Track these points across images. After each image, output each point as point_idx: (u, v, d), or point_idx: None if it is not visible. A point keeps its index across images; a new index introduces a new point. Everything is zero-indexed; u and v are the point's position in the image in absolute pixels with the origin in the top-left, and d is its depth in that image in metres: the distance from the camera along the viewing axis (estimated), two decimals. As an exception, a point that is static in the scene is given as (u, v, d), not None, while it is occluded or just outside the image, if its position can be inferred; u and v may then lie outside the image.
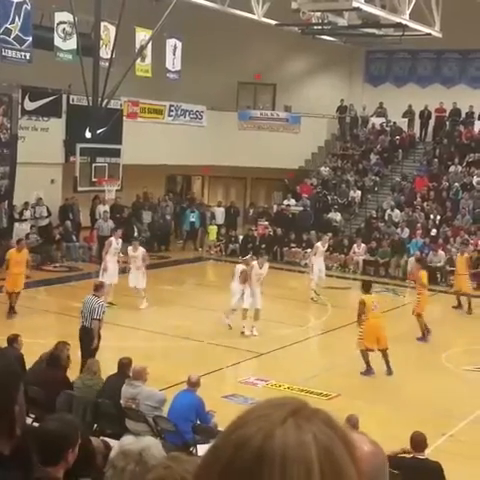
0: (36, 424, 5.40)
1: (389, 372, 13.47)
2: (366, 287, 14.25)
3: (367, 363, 13.38)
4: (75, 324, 14.34)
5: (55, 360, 9.91)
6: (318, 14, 23.53)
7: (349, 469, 1.10)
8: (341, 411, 9.02)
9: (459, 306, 19.53)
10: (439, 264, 22.45)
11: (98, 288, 12.83)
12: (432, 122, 29.06)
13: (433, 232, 23.99)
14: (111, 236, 19.00)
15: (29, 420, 7.24)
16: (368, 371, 13.39)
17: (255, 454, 1.07)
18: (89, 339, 12.11)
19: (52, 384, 9.42)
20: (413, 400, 12.02)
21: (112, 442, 7.82)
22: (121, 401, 9.51)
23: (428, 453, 8.23)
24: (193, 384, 9.36)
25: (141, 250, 18.03)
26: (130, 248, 18.11)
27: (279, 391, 12.10)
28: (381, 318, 13.78)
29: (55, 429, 3.33)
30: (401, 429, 8.63)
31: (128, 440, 3.13)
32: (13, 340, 10.31)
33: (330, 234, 22.55)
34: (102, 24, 20.71)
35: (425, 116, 28.98)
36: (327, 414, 1.15)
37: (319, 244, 20.45)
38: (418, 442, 7.76)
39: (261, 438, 1.08)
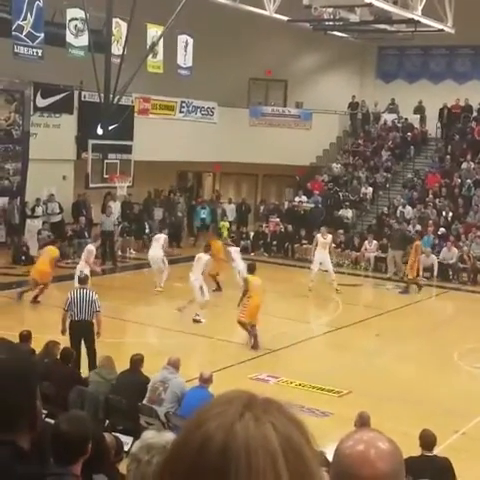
0: (49, 420, 5.42)
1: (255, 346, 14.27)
2: (251, 268, 15.11)
3: (248, 332, 14.35)
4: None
5: (67, 356, 9.97)
6: (330, 10, 23.50)
7: (308, 452, 1.14)
8: (352, 408, 9.02)
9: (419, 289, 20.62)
10: (451, 261, 22.37)
11: (85, 280, 12.72)
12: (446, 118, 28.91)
13: (441, 231, 23.80)
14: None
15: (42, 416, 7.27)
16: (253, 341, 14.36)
17: (219, 451, 1.08)
18: (91, 332, 11.80)
19: (63, 380, 9.47)
20: (425, 397, 11.99)
21: (124, 438, 7.87)
22: (149, 384, 9.60)
23: (440, 450, 8.22)
24: (205, 380, 9.39)
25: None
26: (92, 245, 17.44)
27: (291, 388, 12.11)
28: (262, 296, 14.52)
29: (71, 430, 3.36)
30: (412, 426, 8.61)
31: (150, 434, 3.17)
32: (26, 336, 10.35)
33: (323, 228, 21.66)
34: (114, 20, 20.76)
35: (445, 115, 28.76)
36: (279, 402, 1.17)
37: (318, 235, 20.61)
38: (427, 441, 7.74)
39: (223, 435, 1.09)
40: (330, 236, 20.83)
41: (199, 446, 1.09)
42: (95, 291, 12.29)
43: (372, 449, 1.66)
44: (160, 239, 19.40)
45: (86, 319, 11.82)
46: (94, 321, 11.90)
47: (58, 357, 10.06)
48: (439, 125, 28.90)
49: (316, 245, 20.47)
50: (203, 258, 16.61)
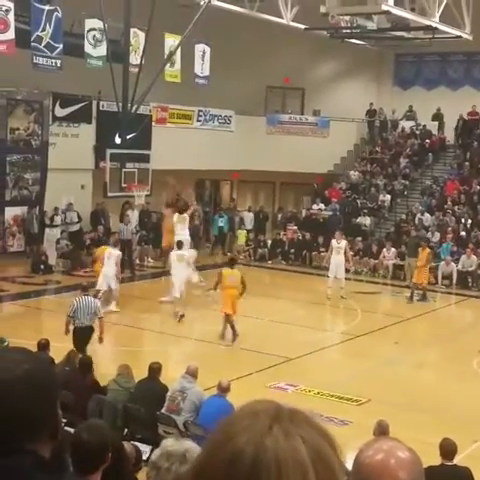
0: (68, 428, 5.45)
1: (234, 337, 15.15)
2: (231, 263, 15.89)
3: (232, 327, 15.11)
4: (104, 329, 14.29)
5: (85, 365, 10.01)
6: (347, 18, 23.48)
7: (336, 462, 1.15)
8: (371, 417, 8.96)
9: (412, 299, 20.01)
10: (471, 268, 22.23)
11: (87, 288, 13.21)
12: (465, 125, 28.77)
13: (462, 234, 23.80)
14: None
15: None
16: (234, 335, 15.18)
17: (250, 466, 1.08)
18: (88, 337, 12.28)
19: (82, 389, 9.50)
20: (444, 406, 11.90)
21: (142, 447, 7.87)
22: (168, 394, 9.62)
23: (459, 459, 8.14)
24: (224, 389, 9.38)
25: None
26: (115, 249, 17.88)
27: (309, 396, 12.06)
28: (234, 289, 15.09)
29: (91, 439, 3.37)
30: (432, 435, 8.55)
31: (170, 442, 3.18)
32: (44, 345, 10.40)
33: (338, 233, 21.55)
34: (132, 30, 20.88)
35: (460, 126, 28.63)
36: (305, 413, 1.18)
37: (333, 241, 20.63)
38: (447, 450, 7.66)
39: (253, 450, 1.09)
40: (344, 242, 20.70)
41: (229, 460, 1.10)
42: (96, 298, 12.93)
43: (392, 458, 1.66)
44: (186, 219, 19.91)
45: (88, 325, 12.40)
46: (94, 326, 12.45)
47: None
48: (455, 134, 28.80)
49: (331, 251, 20.48)
50: (187, 255, 17.56)
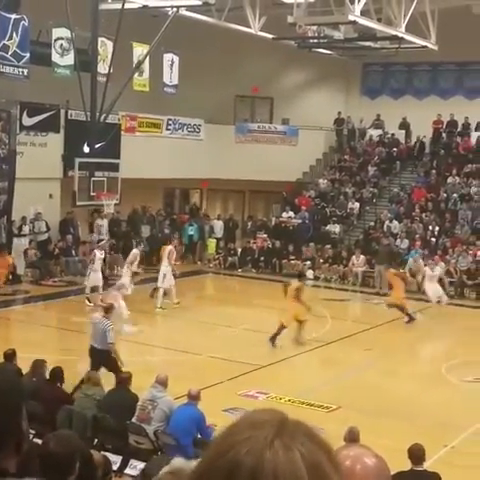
0: (37, 440, 5.39)
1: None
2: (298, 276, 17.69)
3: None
4: (74, 339, 14.37)
5: (54, 376, 9.90)
6: (314, 28, 23.64)
7: (334, 477, 1.14)
8: (341, 424, 9.00)
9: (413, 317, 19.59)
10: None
11: (109, 310, 12.72)
12: (429, 134, 29.13)
13: (433, 241, 24.16)
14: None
15: (30, 436, 7.20)
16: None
17: (248, 477, 1.08)
18: (107, 359, 11.87)
19: (52, 399, 9.40)
20: (414, 412, 11.98)
21: (113, 457, 7.81)
22: (138, 403, 9.56)
23: (429, 464, 8.21)
24: (194, 398, 9.36)
25: None
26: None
27: (279, 404, 12.07)
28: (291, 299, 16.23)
29: (59, 450, 3.33)
30: (402, 441, 8.60)
31: (179, 462, 3.21)
32: (11, 355, 10.26)
33: (432, 261, 21.85)
34: (99, 39, 20.81)
35: (418, 146, 28.97)
36: (308, 427, 1.17)
37: (427, 268, 20.84)
38: (416, 455, 7.70)
39: (252, 461, 1.09)
40: (438, 268, 21.03)
41: (228, 470, 1.09)
42: (111, 323, 12.22)
43: (358, 465, 1.67)
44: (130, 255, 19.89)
45: (98, 347, 12.02)
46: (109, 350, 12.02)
47: (47, 376, 9.99)
48: (414, 152, 29.12)
49: (424, 279, 20.68)
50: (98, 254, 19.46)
